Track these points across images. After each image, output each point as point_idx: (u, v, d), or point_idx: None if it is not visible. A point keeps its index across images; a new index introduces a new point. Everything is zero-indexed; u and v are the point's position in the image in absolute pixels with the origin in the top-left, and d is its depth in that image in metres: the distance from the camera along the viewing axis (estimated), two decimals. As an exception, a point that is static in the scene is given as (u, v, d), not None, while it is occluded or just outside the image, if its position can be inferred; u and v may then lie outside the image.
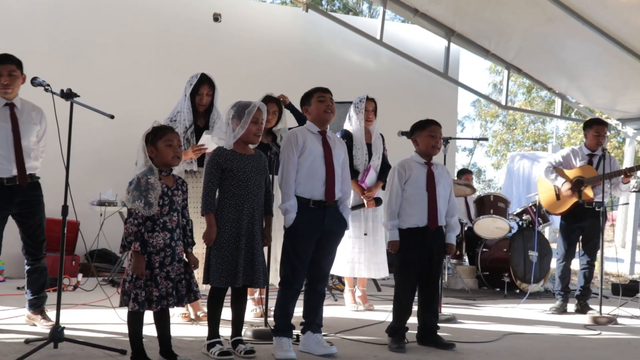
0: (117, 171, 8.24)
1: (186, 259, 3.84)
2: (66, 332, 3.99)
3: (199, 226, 4.89)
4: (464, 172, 9.90)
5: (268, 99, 5.55)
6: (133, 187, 3.64)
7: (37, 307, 4.82)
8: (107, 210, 7.46)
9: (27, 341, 4.14)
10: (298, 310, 4.40)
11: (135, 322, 3.71)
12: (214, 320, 4.16)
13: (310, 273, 4.37)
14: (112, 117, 4.29)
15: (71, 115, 4.06)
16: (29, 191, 4.74)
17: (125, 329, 3.76)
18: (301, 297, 4.42)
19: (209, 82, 5.18)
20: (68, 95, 4.10)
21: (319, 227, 4.31)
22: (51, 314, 4.57)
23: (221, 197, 4.13)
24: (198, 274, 4.98)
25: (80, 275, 7.14)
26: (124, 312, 3.74)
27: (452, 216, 4.80)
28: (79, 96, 4.13)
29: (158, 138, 3.76)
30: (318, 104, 4.47)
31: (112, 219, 7.52)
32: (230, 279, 4.05)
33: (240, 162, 4.14)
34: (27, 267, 4.80)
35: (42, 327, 4.70)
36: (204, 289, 4.25)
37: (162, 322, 3.82)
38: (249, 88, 5.99)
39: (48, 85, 4.20)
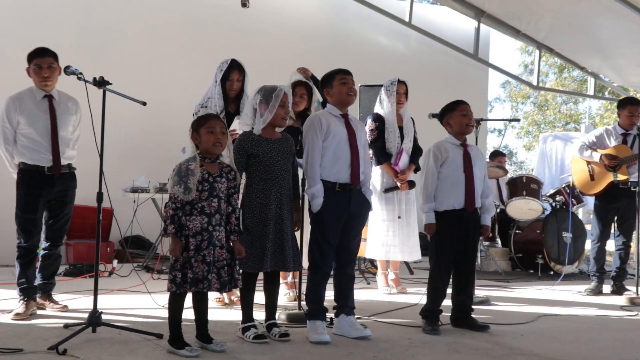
0: (149, 158, 8.36)
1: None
2: (104, 317, 4.06)
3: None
4: (497, 155, 9.80)
5: (297, 83, 5.57)
6: (175, 172, 3.75)
7: (45, 291, 4.99)
8: (140, 197, 7.55)
9: (66, 326, 4.21)
10: (331, 294, 4.41)
11: (175, 304, 3.76)
12: (247, 305, 4.19)
13: (338, 256, 4.38)
14: (144, 104, 4.33)
15: (104, 103, 4.10)
16: (67, 181, 4.91)
17: (161, 313, 3.81)
18: (331, 281, 4.43)
19: (239, 67, 5.19)
20: (100, 83, 4.15)
21: (345, 210, 4.31)
22: (88, 299, 4.65)
23: (248, 182, 4.15)
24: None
25: (115, 262, 7.24)
26: (159, 297, 3.79)
27: (486, 197, 4.76)
28: (111, 84, 4.17)
29: (201, 125, 3.84)
30: (340, 87, 4.43)
31: (145, 205, 7.61)
32: (259, 264, 4.07)
33: (267, 146, 4.15)
34: (43, 252, 4.96)
35: (53, 310, 4.86)
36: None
37: (200, 306, 3.86)
38: (277, 73, 5.99)
39: (81, 73, 4.24)
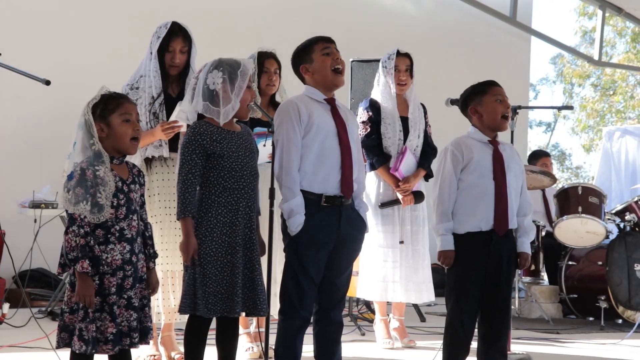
0: (57, 160, 8.28)
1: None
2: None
3: (174, 232, 4.92)
4: (540, 156, 9.77)
5: (264, 55, 5.57)
6: (75, 182, 3.57)
7: None
8: (43, 215, 7.48)
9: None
10: (310, 348, 4.43)
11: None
12: (194, 364, 4.20)
13: (322, 296, 4.40)
14: (47, 83, 4.34)
15: (-10, 82, 4.11)
16: None
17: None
18: (311, 330, 4.46)
19: (183, 34, 5.20)
20: (-16, 53, 4.15)
21: (333, 232, 4.34)
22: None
23: (207, 194, 4.13)
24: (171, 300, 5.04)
25: (6, 306, 7.18)
26: (69, 356, 3.77)
27: (524, 215, 4.79)
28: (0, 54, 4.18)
29: (111, 110, 3.71)
30: (323, 59, 4.44)
31: (51, 226, 7.56)
32: (226, 307, 4.06)
33: (231, 143, 4.16)
34: None
35: None
36: (179, 319, 4.28)
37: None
38: (238, 43, 6.04)
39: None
